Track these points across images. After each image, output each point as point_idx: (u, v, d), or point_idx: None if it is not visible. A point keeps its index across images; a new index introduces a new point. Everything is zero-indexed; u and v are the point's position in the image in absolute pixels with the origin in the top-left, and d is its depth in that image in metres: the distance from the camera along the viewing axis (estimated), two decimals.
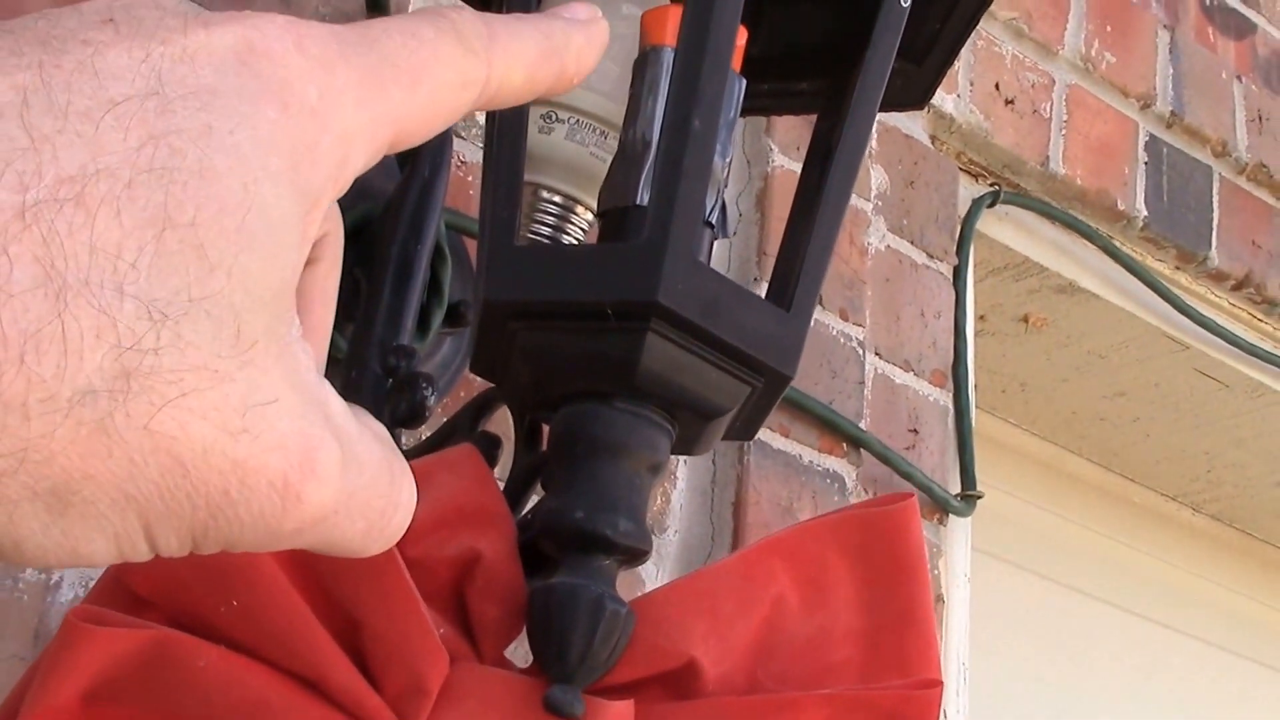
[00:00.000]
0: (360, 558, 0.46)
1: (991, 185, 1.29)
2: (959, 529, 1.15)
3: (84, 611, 0.47)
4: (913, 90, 0.68)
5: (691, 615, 0.50)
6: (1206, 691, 1.71)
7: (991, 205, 1.27)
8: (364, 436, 0.29)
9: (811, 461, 1.03)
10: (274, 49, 0.26)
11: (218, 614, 0.47)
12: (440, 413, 0.84)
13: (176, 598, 0.48)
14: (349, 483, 0.28)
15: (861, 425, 1.07)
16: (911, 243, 1.18)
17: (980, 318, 1.40)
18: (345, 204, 0.86)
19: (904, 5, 0.57)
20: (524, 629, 0.50)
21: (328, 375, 0.76)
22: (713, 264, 0.93)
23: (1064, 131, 1.32)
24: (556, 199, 0.62)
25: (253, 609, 0.47)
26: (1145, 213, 1.35)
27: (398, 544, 0.49)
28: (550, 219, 0.62)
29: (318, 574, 0.48)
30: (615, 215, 0.53)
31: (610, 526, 0.49)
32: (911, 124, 1.22)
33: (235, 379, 0.25)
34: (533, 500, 0.57)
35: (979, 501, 1.15)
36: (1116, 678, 1.64)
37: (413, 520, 0.50)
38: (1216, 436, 1.58)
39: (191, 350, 0.24)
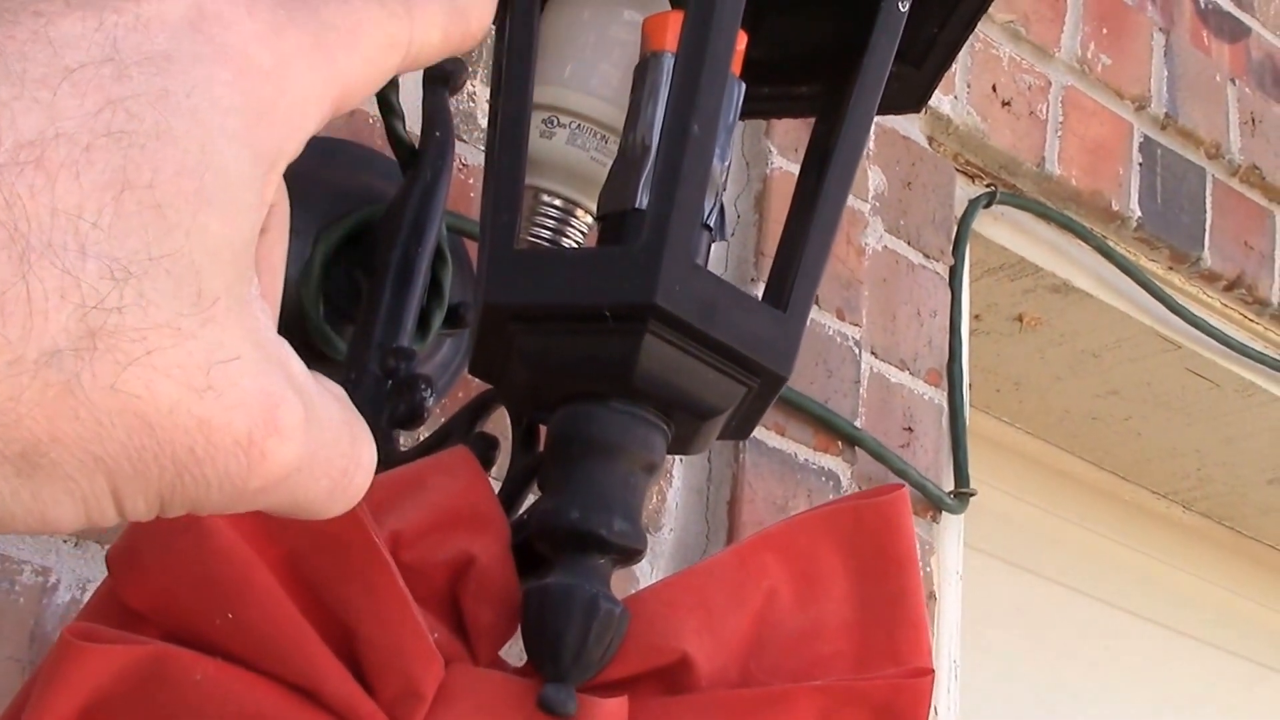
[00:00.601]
0: (350, 565, 0.46)
1: (988, 186, 1.28)
2: (952, 526, 1.14)
3: (78, 629, 0.47)
4: (910, 93, 0.68)
5: (684, 611, 0.50)
6: (1196, 687, 1.71)
7: (988, 206, 1.26)
8: (324, 396, 0.29)
9: (807, 460, 1.03)
10: (225, 13, 0.27)
11: (213, 627, 0.47)
12: (439, 413, 0.83)
13: (171, 611, 0.48)
14: (312, 440, 0.27)
15: (857, 424, 1.07)
16: (908, 243, 1.18)
17: (975, 317, 1.40)
18: (345, 207, 0.85)
19: (902, 9, 0.57)
20: (518, 629, 0.50)
21: (327, 376, 0.76)
22: (711, 264, 0.93)
23: (1060, 133, 1.31)
24: (557, 203, 0.62)
25: (247, 620, 0.47)
26: (1139, 213, 1.35)
27: (392, 549, 0.49)
28: (550, 222, 0.62)
29: (311, 583, 0.48)
30: (614, 219, 0.53)
31: (605, 526, 0.49)
32: (909, 126, 1.22)
33: (198, 336, 0.25)
34: (529, 501, 0.57)
35: (979, 500, 1.15)
36: (1107, 674, 1.64)
37: (406, 524, 0.50)
38: (1207, 435, 1.57)
39: (154, 309, 0.24)
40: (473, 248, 0.88)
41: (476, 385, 0.87)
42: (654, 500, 0.97)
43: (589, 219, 0.62)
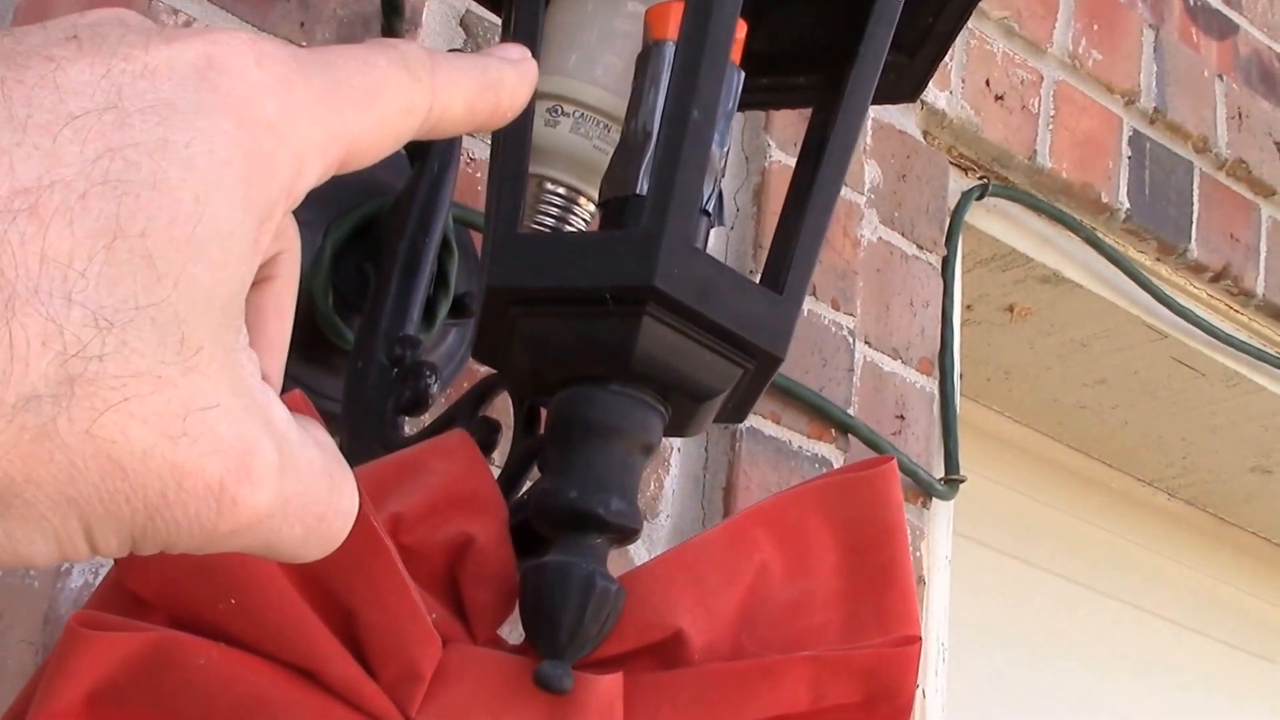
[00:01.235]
0: (350, 550, 0.46)
1: (980, 179, 1.29)
2: (942, 512, 1.15)
3: (85, 617, 0.47)
4: (906, 83, 0.68)
5: (677, 587, 0.50)
6: (1179, 671, 1.71)
7: (980, 198, 1.26)
8: (305, 443, 0.29)
9: (801, 447, 1.04)
10: (233, 64, 0.27)
11: (216, 612, 0.47)
12: (444, 401, 0.84)
13: (176, 598, 0.48)
14: (285, 487, 0.28)
15: (850, 412, 1.07)
16: (902, 234, 1.19)
17: (967, 308, 1.40)
18: (354, 200, 0.86)
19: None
20: (516, 608, 0.50)
21: (335, 365, 0.76)
22: (710, 253, 0.93)
23: (1051, 126, 1.32)
24: (560, 190, 0.62)
25: (250, 606, 0.47)
26: (1128, 205, 1.35)
27: (392, 531, 0.49)
28: (554, 210, 0.62)
29: (312, 568, 0.48)
30: (615, 205, 0.53)
31: (603, 505, 0.49)
32: (905, 120, 1.22)
33: (178, 385, 0.25)
34: (531, 483, 0.58)
35: (962, 488, 1.16)
36: (1093, 657, 1.64)
37: (406, 507, 0.51)
38: (1193, 423, 1.57)
39: (136, 356, 0.24)
40: (479, 239, 0.89)
41: (482, 374, 0.87)
42: (651, 487, 0.98)
43: (592, 207, 0.62)
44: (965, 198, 1.25)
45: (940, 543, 1.14)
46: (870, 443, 1.06)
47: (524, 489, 0.58)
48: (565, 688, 0.47)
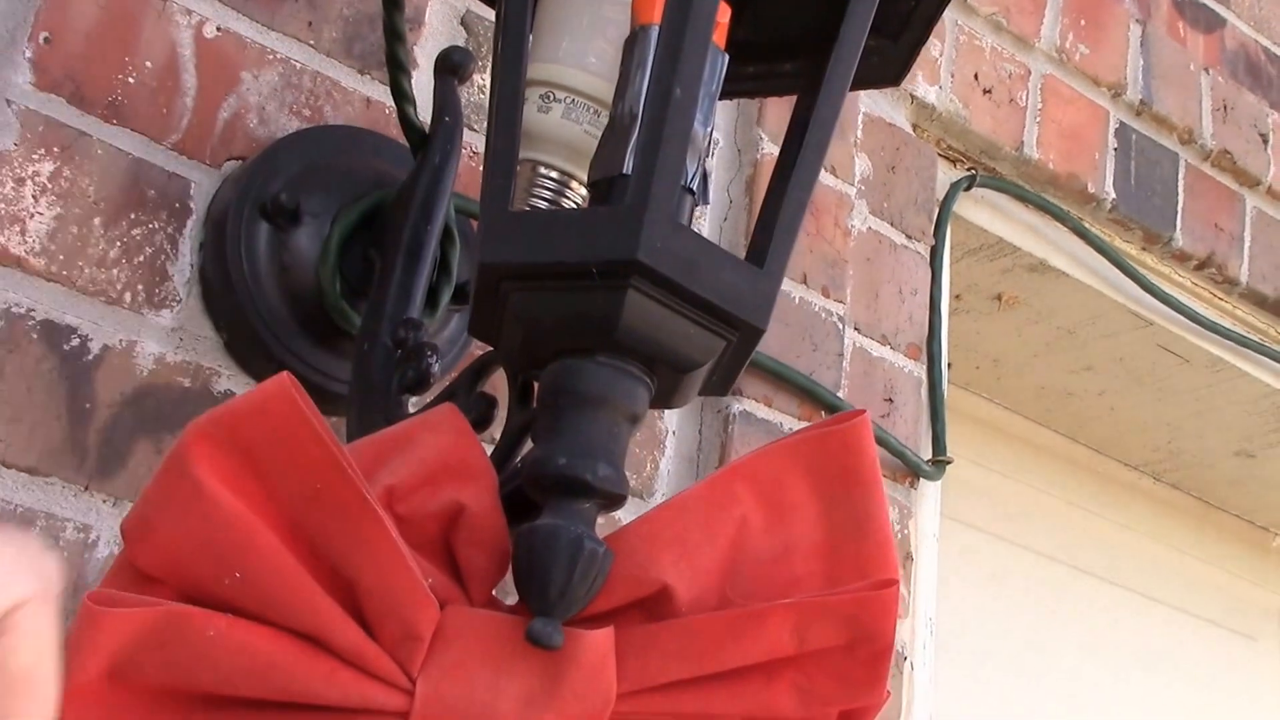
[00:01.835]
0: (347, 522, 0.48)
1: (969, 170, 1.30)
2: (929, 492, 1.17)
3: (99, 595, 0.49)
4: (889, 66, 0.68)
5: (662, 544, 0.51)
6: (1164, 650, 1.73)
7: (968, 189, 1.28)
8: None
9: (792, 429, 1.06)
10: None
11: (222, 586, 0.49)
12: (446, 383, 0.87)
13: (183, 574, 0.49)
14: None
15: (840, 395, 1.10)
16: (891, 224, 1.21)
17: (956, 297, 1.42)
18: (360, 191, 0.88)
19: None
20: (509, 570, 0.51)
21: (342, 348, 0.78)
22: None
23: (1038, 119, 1.34)
24: (553, 174, 0.63)
25: (255, 578, 0.49)
26: (1114, 196, 1.37)
27: (386, 504, 0.51)
28: (547, 192, 0.63)
29: (312, 541, 0.50)
30: (603, 184, 0.54)
31: (590, 472, 0.50)
32: (894, 113, 1.24)
33: None
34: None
35: (954, 473, 1.18)
36: (1079, 636, 1.65)
37: (398, 480, 0.52)
38: (1177, 409, 1.59)
39: None
40: None
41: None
42: (647, 468, 1.00)
43: (583, 189, 0.63)
44: (954, 189, 1.27)
45: (928, 521, 1.16)
46: None
47: (517, 460, 0.60)
48: (556, 644, 0.48)
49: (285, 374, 0.49)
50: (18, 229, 0.76)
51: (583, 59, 0.61)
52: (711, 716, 0.52)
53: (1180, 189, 1.43)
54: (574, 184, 0.63)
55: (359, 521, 0.49)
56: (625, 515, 0.89)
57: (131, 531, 0.50)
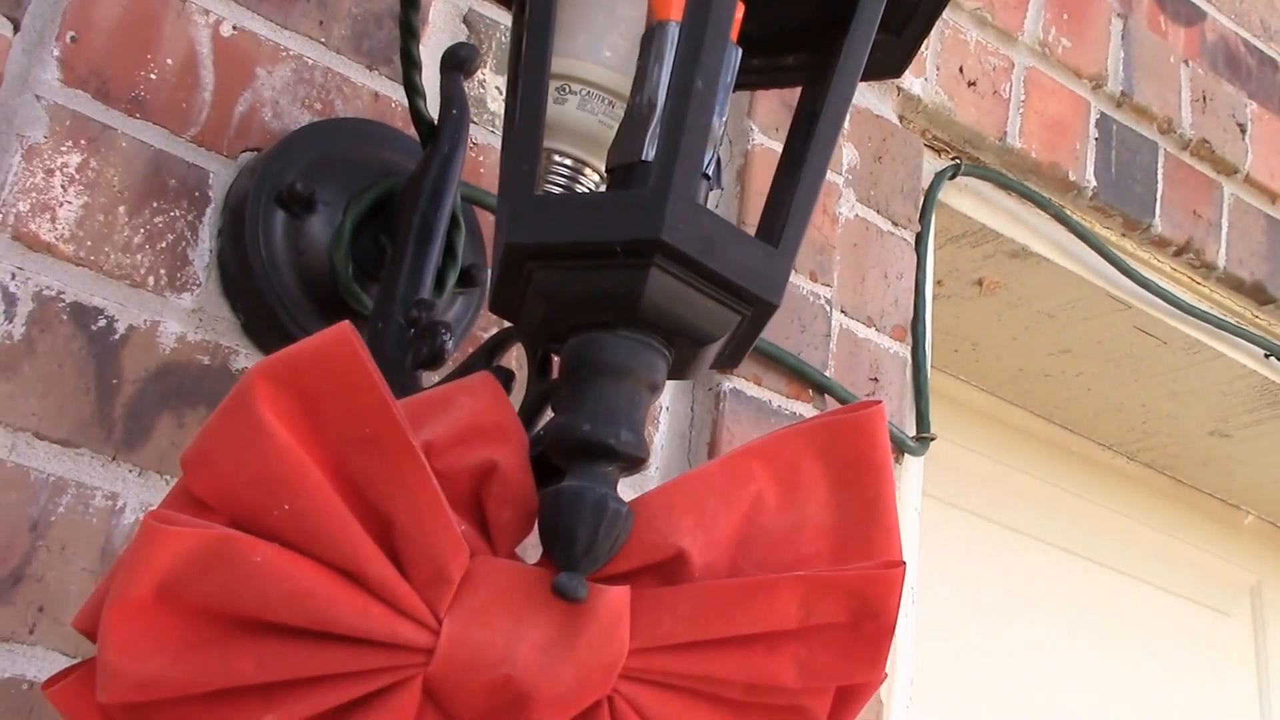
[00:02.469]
0: (389, 466, 0.50)
1: (953, 159, 1.33)
2: (912, 468, 1.21)
3: (158, 514, 0.52)
4: (891, 59, 0.71)
5: (680, 513, 0.54)
6: (1139, 623, 1.75)
7: (953, 177, 1.31)
8: None
9: (780, 406, 1.09)
10: None
11: (271, 517, 0.51)
12: (451, 363, 0.90)
13: (235, 503, 0.52)
14: None
15: (827, 374, 1.13)
16: (878, 211, 1.24)
17: (938, 282, 1.44)
18: (371, 180, 0.91)
19: None
20: (534, 528, 0.53)
21: (355, 328, 0.81)
22: None
23: (1021, 110, 1.37)
24: (568, 162, 0.66)
25: (300, 512, 0.51)
26: (1094, 184, 1.40)
27: (426, 455, 0.54)
28: (562, 179, 0.66)
29: (355, 481, 0.52)
30: (621, 171, 0.57)
31: (613, 436, 0.53)
32: (882, 105, 1.27)
33: None
34: (543, 424, 0.61)
35: (933, 452, 1.21)
36: (1055, 610, 1.68)
37: (436, 437, 0.55)
38: (1153, 390, 1.62)
39: None
40: (483, 217, 0.95)
41: (482, 339, 0.93)
42: None
43: (596, 177, 0.67)
44: (939, 177, 1.30)
45: (910, 495, 1.20)
46: (844, 402, 1.12)
47: (538, 428, 0.62)
48: (580, 596, 0.51)
49: (346, 322, 0.52)
50: (48, 217, 0.79)
51: (598, 53, 0.64)
52: (715, 680, 0.55)
53: (1160, 177, 1.47)
54: (587, 170, 0.66)
55: (402, 467, 0.51)
56: (621, 487, 0.92)
57: (191, 462, 0.52)
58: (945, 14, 1.33)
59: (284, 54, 0.91)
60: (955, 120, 1.31)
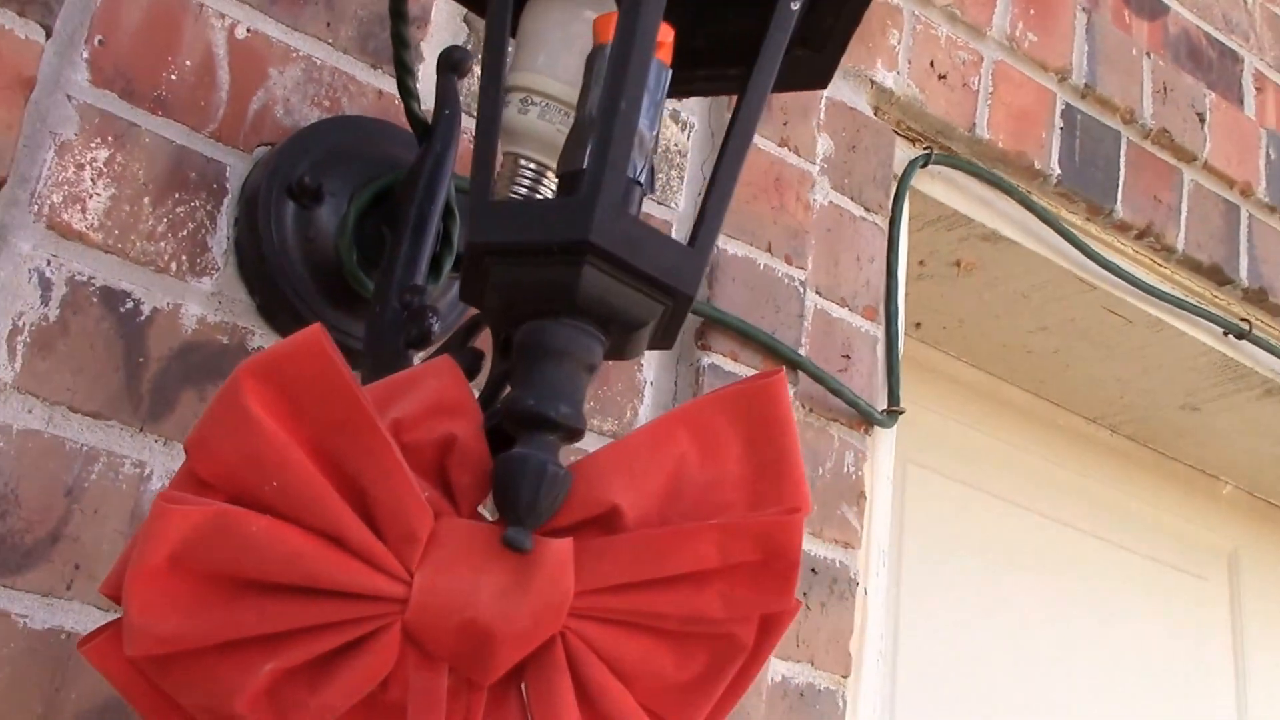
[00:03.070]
0: (361, 443, 0.57)
1: (925, 149, 1.39)
2: (884, 439, 1.27)
3: (166, 495, 0.59)
4: (815, 72, 0.78)
5: (614, 473, 0.61)
6: (1118, 587, 1.79)
7: (924, 165, 1.37)
8: None
9: None
10: None
11: (263, 492, 0.58)
12: (438, 343, 0.96)
13: (232, 482, 0.59)
14: None
15: (801, 352, 1.19)
16: (851, 199, 1.30)
17: (920, 263, 1.50)
18: (374, 173, 0.98)
19: (794, 8, 0.68)
20: (491, 490, 0.60)
21: (359, 311, 0.88)
22: (679, 218, 1.05)
23: (989, 102, 1.43)
24: (532, 165, 0.73)
25: (287, 487, 0.58)
26: (1059, 171, 1.45)
27: (394, 433, 0.61)
28: (527, 181, 0.73)
29: (333, 458, 0.59)
30: (568, 177, 0.63)
31: (554, 410, 0.60)
32: (856, 97, 1.33)
33: None
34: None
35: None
36: (1038, 574, 1.72)
37: (404, 414, 0.62)
38: (1126, 366, 1.66)
39: None
40: None
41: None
42: (628, 414, 1.10)
43: (557, 179, 0.73)
44: (911, 165, 1.36)
45: (883, 464, 1.26)
46: (816, 377, 1.19)
47: (499, 401, 0.70)
48: (526, 547, 0.58)
49: (318, 325, 0.59)
50: (79, 208, 0.86)
51: (555, 70, 0.71)
52: (653, 614, 0.62)
53: (1122, 165, 1.52)
54: (549, 174, 0.73)
55: (372, 445, 0.58)
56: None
57: (193, 446, 0.60)
58: (917, 9, 1.39)
59: (294, 54, 0.96)
60: (926, 111, 1.37)
